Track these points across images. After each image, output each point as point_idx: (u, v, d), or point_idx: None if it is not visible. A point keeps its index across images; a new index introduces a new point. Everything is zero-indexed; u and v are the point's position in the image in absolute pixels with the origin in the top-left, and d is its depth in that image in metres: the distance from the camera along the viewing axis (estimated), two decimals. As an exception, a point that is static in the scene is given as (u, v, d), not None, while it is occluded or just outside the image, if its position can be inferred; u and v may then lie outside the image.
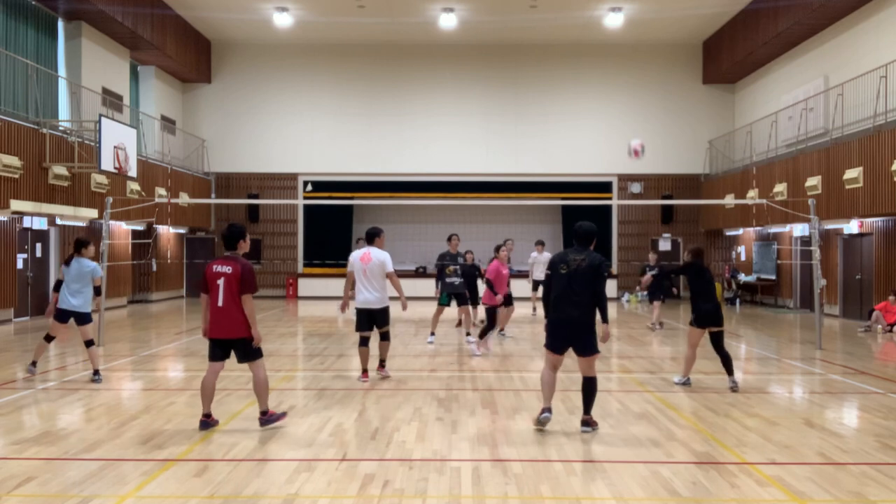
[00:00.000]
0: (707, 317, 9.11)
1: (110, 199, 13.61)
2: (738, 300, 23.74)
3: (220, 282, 6.90)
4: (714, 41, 25.21)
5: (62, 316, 9.44)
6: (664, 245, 26.27)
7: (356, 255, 9.47)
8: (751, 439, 6.76)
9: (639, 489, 5.36)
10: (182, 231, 25.61)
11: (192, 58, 24.80)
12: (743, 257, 24.84)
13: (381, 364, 9.87)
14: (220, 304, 6.88)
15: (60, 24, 19.49)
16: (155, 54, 22.80)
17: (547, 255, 18.17)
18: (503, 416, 7.63)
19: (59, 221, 18.06)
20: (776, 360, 11.93)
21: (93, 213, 17.87)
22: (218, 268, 6.97)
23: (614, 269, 25.69)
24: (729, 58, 23.93)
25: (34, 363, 9.77)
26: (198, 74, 25.61)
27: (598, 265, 6.91)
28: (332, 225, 26.05)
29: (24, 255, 17.36)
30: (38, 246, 18.08)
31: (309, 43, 26.00)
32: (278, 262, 26.32)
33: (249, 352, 6.94)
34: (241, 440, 6.61)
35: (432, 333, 13.80)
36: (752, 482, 5.52)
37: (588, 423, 7.06)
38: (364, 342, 9.51)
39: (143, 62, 23.70)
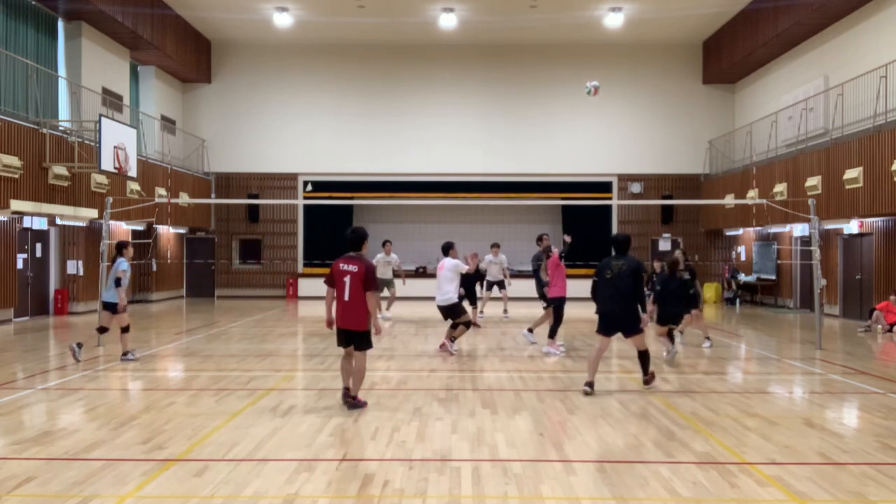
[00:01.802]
0: (669, 317, 11.37)
1: (110, 199, 13.61)
2: (738, 300, 23.74)
3: (347, 279, 7.66)
4: (714, 41, 25.21)
5: (106, 308, 11.18)
6: (664, 245, 26.27)
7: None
8: (751, 439, 6.76)
9: (639, 489, 5.36)
10: (182, 231, 25.61)
11: (192, 58, 24.80)
12: (743, 257, 24.84)
13: (452, 340, 12.12)
14: (346, 298, 7.67)
15: (60, 24, 19.49)
16: (155, 54, 22.80)
17: (503, 258, 18.15)
18: (503, 416, 7.63)
19: (59, 221, 18.06)
20: (776, 360, 11.93)
21: (93, 213, 17.87)
22: (345, 266, 7.74)
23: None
24: (729, 58, 23.94)
25: (128, 353, 11.18)
26: (198, 74, 25.61)
27: (636, 268, 8.70)
28: (332, 225, 26.01)
29: (24, 255, 17.36)
30: (38, 246, 18.08)
31: (309, 43, 26.00)
32: (278, 263, 26.32)
33: (364, 343, 7.82)
34: (241, 440, 6.61)
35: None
36: (752, 482, 5.52)
37: (648, 381, 9.03)
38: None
39: (143, 62, 23.70)
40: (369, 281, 7.67)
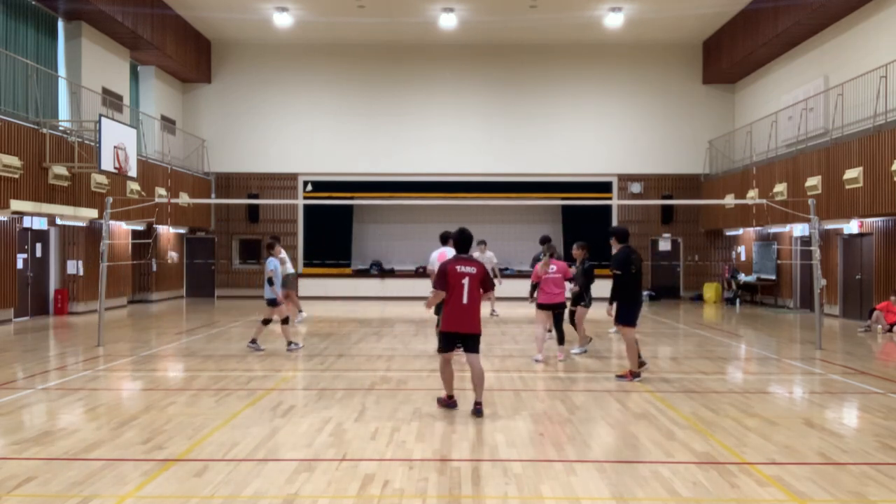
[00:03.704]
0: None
1: (110, 199, 13.60)
2: (738, 300, 23.74)
3: (465, 281, 7.52)
4: (714, 41, 25.21)
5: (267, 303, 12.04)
6: (664, 245, 26.28)
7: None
8: (751, 439, 6.76)
9: (639, 489, 5.36)
10: (182, 231, 25.61)
11: (192, 58, 24.79)
12: (743, 257, 24.83)
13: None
14: (465, 301, 7.51)
15: (60, 24, 19.49)
16: (155, 54, 22.80)
17: (489, 255, 18.12)
18: (503, 416, 7.63)
19: (59, 221, 18.06)
20: (776, 360, 11.93)
21: (93, 213, 17.87)
22: (462, 268, 7.59)
23: (614, 269, 25.66)
24: (729, 58, 23.93)
25: (291, 343, 12.04)
26: (198, 74, 25.61)
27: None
28: (332, 225, 26.04)
29: (24, 255, 17.36)
30: (38, 246, 18.08)
31: (309, 43, 26.00)
32: (278, 262, 26.27)
33: (478, 344, 7.74)
34: (241, 440, 6.61)
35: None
36: (752, 482, 5.52)
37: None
38: None
39: (143, 62, 23.70)
40: (487, 282, 7.65)
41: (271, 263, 11.89)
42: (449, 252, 11.59)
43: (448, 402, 7.91)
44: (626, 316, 9.68)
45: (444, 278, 7.56)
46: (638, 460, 6.10)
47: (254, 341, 12.22)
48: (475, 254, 17.70)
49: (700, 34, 25.32)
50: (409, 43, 26.00)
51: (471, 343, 7.65)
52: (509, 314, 18.77)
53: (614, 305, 9.73)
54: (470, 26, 24.01)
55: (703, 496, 5.23)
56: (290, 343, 12.09)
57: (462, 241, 7.81)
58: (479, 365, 7.74)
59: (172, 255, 17.13)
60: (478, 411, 7.59)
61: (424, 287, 18.93)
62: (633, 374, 9.72)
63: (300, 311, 17.14)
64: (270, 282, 11.80)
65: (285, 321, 12.13)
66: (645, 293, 25.43)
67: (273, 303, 12.01)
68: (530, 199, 26.05)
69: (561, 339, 11.42)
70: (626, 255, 9.70)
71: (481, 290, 7.63)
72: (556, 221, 26.39)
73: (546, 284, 11.21)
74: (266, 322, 12.23)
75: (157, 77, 24.40)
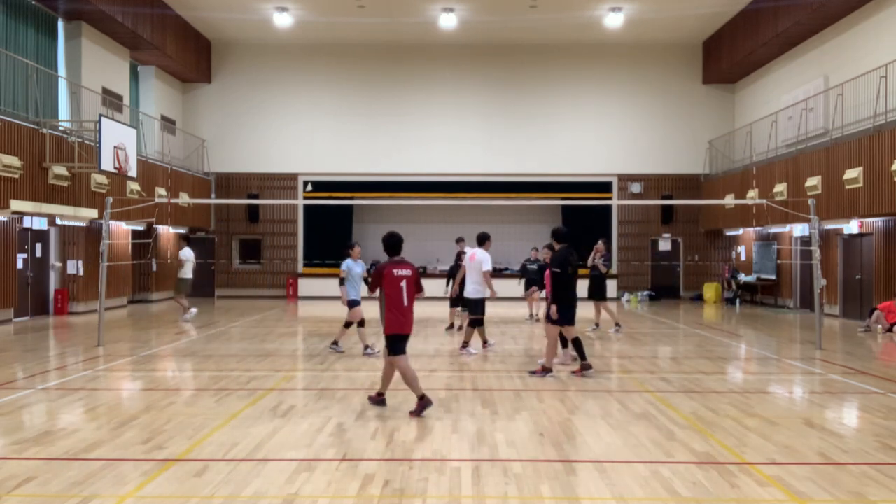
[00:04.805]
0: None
1: (110, 199, 13.60)
2: (738, 300, 23.74)
3: (403, 284, 7.70)
4: (714, 41, 25.21)
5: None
6: (664, 245, 26.28)
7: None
8: (751, 439, 6.76)
9: (639, 489, 5.36)
10: (182, 231, 25.59)
11: (192, 58, 24.79)
12: (743, 257, 24.84)
13: (464, 345, 12.18)
14: (405, 303, 7.70)
15: (60, 24, 19.49)
16: (155, 54, 22.80)
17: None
18: (503, 416, 7.63)
19: (59, 221, 18.06)
20: (776, 360, 11.93)
21: (93, 213, 17.87)
22: (398, 271, 7.74)
23: (614, 269, 25.70)
24: (729, 58, 23.93)
25: (367, 346, 11.83)
26: (198, 74, 25.61)
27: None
28: (333, 225, 26.03)
29: (24, 255, 17.35)
30: (38, 246, 18.08)
31: (309, 43, 26.00)
32: (278, 262, 26.32)
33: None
34: (241, 440, 6.61)
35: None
36: (752, 482, 5.52)
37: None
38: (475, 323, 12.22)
39: (143, 62, 23.70)
40: (419, 283, 7.87)
41: (344, 265, 11.89)
42: (481, 254, 12.02)
43: (422, 404, 7.70)
44: (562, 315, 9.91)
45: (381, 281, 7.72)
46: (638, 460, 6.10)
47: (335, 343, 12.18)
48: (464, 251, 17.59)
49: (700, 34, 25.32)
50: (409, 43, 26.00)
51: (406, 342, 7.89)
52: (509, 314, 18.75)
53: (553, 307, 10.01)
54: (470, 26, 24.01)
55: (703, 496, 5.23)
56: (366, 347, 11.84)
57: (392, 244, 7.91)
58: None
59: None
60: (422, 406, 7.63)
61: (425, 287, 18.88)
62: (546, 370, 10.04)
63: (187, 309, 17.39)
64: (342, 282, 11.81)
65: (361, 324, 11.89)
66: (645, 293, 25.49)
67: (352, 304, 11.82)
68: (530, 199, 26.05)
69: (564, 343, 11.29)
70: (565, 256, 9.95)
71: (417, 292, 7.85)
72: (556, 222, 26.35)
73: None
74: (348, 325, 12.12)
75: (157, 77, 24.40)
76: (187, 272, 17.53)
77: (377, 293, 7.87)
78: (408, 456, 6.16)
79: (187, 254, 17.59)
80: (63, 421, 7.41)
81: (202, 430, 6.98)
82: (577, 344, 10.13)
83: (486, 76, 26.34)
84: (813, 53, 20.83)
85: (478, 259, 12.04)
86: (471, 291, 12.12)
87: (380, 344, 9.90)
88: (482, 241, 12.30)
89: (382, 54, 26.28)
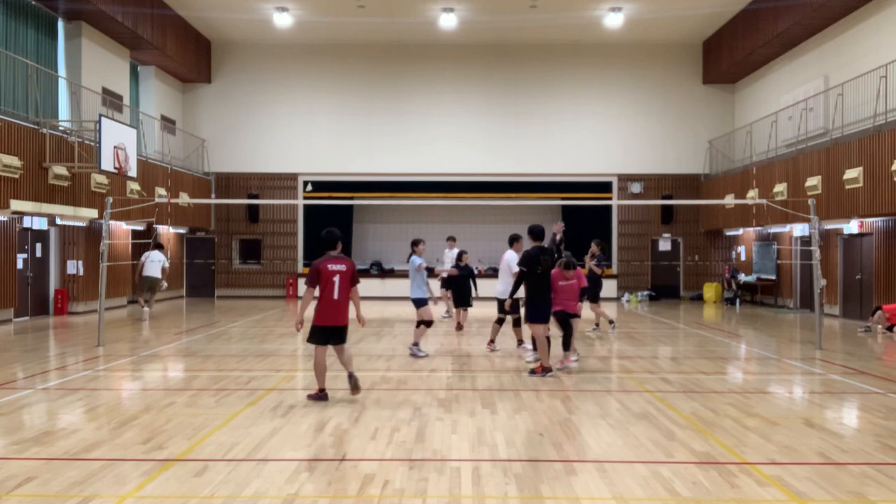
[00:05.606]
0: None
1: (110, 199, 13.60)
2: (738, 300, 23.75)
3: (336, 279, 8.07)
4: (714, 41, 25.20)
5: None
6: (664, 245, 26.28)
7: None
8: (751, 439, 6.76)
9: (639, 489, 5.36)
10: (182, 231, 25.61)
11: (192, 58, 24.79)
12: (743, 257, 24.84)
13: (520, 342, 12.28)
14: (336, 297, 8.06)
15: (60, 24, 19.48)
16: (155, 54, 22.80)
17: (455, 252, 17.90)
18: (503, 416, 7.63)
19: (59, 221, 18.06)
20: (776, 360, 11.93)
21: (93, 213, 17.87)
22: (333, 266, 8.13)
23: (614, 269, 25.70)
24: (729, 58, 23.93)
25: (415, 345, 11.82)
26: (198, 74, 25.61)
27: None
28: (332, 225, 25.72)
29: (24, 255, 17.36)
30: (38, 246, 18.08)
31: (309, 43, 26.00)
32: (278, 262, 26.31)
33: (345, 336, 8.34)
34: (241, 440, 6.62)
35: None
36: (752, 482, 5.52)
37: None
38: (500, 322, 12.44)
39: (143, 62, 23.69)
40: (356, 277, 8.27)
41: (418, 260, 12.05)
42: (511, 255, 12.04)
43: (319, 396, 8.26)
44: (534, 314, 9.90)
45: (317, 276, 8.08)
46: (638, 460, 6.10)
47: (416, 345, 11.90)
48: (445, 250, 17.67)
49: (700, 34, 25.32)
50: (409, 43, 26.00)
51: (341, 334, 8.26)
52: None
53: (509, 300, 10.38)
54: (470, 26, 24.01)
55: (703, 496, 5.23)
56: (414, 344, 11.81)
57: (329, 240, 8.30)
58: (348, 350, 8.42)
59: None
60: (353, 381, 8.23)
61: (434, 290, 18.87)
62: (545, 370, 9.95)
63: (144, 307, 17.42)
64: (433, 274, 12.03)
65: (428, 324, 11.82)
66: (645, 293, 25.49)
67: (420, 302, 11.79)
68: (530, 199, 26.05)
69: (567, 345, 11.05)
70: (535, 254, 9.88)
71: (352, 286, 8.21)
72: (556, 222, 26.34)
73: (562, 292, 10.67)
74: (424, 324, 11.83)
75: (157, 77, 24.40)
76: (149, 271, 17.51)
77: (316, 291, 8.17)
78: (408, 456, 6.16)
79: (154, 255, 17.62)
80: (63, 421, 7.41)
81: (202, 430, 6.98)
82: (544, 345, 9.94)
83: (486, 76, 26.34)
84: (813, 53, 20.83)
85: (507, 260, 12.16)
86: (501, 292, 12.06)
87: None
88: (512, 242, 12.37)
89: (382, 54, 26.28)
